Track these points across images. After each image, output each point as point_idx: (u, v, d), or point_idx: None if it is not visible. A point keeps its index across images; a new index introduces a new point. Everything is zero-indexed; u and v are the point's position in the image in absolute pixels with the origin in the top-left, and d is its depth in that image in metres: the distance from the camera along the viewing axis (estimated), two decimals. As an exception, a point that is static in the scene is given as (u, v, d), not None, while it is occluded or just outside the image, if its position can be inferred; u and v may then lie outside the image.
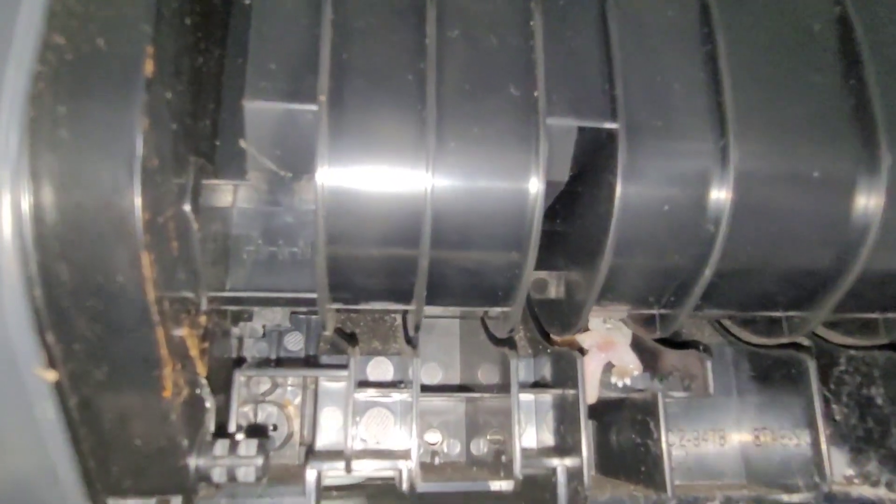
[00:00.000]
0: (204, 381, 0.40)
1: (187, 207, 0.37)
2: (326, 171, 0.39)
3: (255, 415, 0.57)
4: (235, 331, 0.57)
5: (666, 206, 0.44)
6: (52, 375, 0.32)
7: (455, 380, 0.67)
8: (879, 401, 0.54)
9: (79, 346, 0.33)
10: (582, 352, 0.58)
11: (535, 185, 0.41)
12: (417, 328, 0.46)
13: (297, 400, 0.61)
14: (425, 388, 0.59)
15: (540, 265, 0.44)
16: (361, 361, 0.58)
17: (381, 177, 0.40)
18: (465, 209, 0.42)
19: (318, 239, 0.40)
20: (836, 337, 0.58)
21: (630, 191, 0.42)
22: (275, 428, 0.57)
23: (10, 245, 0.29)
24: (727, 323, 0.61)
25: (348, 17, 0.41)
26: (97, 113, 0.30)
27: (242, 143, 0.40)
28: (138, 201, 0.30)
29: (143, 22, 0.32)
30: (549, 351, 0.54)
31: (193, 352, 0.38)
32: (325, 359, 0.57)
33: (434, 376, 0.66)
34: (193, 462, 0.40)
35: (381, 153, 0.40)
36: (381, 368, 0.59)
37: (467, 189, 0.41)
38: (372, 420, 0.56)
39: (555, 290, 0.54)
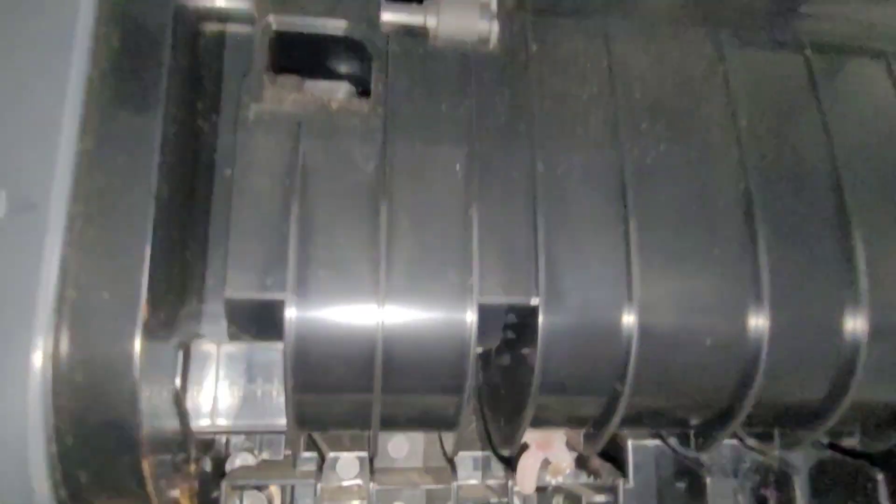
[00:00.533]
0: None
1: (178, 383, 0.45)
2: (292, 342, 0.47)
3: (241, 500, 0.66)
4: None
5: (581, 361, 0.52)
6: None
7: (419, 451, 0.77)
8: (771, 502, 0.63)
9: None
10: (524, 447, 0.67)
11: (468, 350, 0.49)
12: (374, 454, 0.55)
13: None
14: (385, 470, 0.68)
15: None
16: (331, 460, 0.67)
17: (338, 343, 0.48)
18: (410, 370, 0.50)
19: (287, 392, 0.48)
20: (748, 440, 0.67)
21: (549, 350, 0.50)
22: (259, 515, 0.66)
23: (44, 467, 0.37)
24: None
25: (313, 212, 0.49)
26: (102, 361, 0.38)
27: (226, 327, 0.48)
28: (138, 425, 0.39)
29: (138, 273, 0.39)
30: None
31: (183, 501, 0.46)
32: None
33: (401, 450, 0.75)
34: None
35: (339, 332, 0.48)
36: (349, 467, 0.68)
37: (411, 357, 0.49)
38: None
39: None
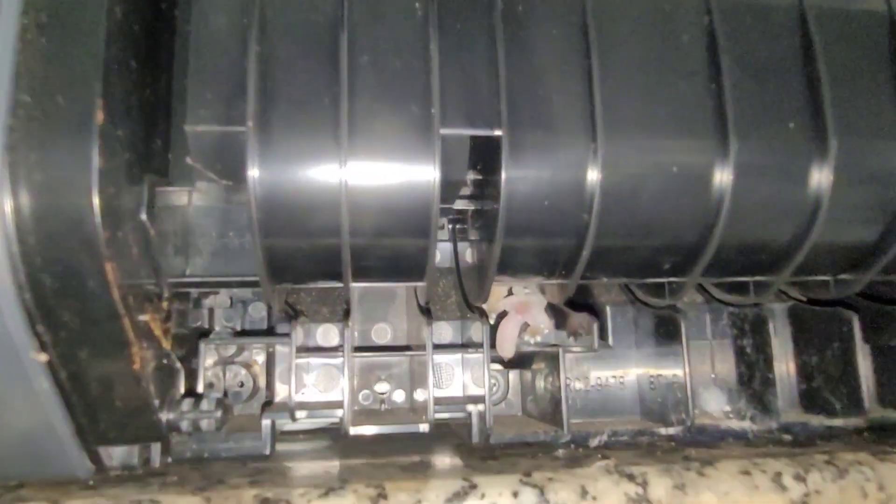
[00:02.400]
0: (170, 353, 0.50)
1: (143, 217, 0.46)
2: (256, 178, 0.47)
3: (224, 374, 0.67)
4: (207, 302, 0.67)
5: (546, 200, 0.52)
6: (43, 357, 0.41)
7: (402, 338, 0.78)
8: (748, 350, 0.64)
9: (63, 334, 0.42)
10: (503, 314, 0.68)
11: (432, 184, 0.49)
12: (348, 303, 0.56)
13: (262, 360, 0.71)
14: (365, 349, 0.69)
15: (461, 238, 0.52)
16: (311, 328, 0.68)
17: (302, 179, 0.49)
18: (377, 204, 0.50)
19: (255, 234, 0.48)
20: (721, 295, 0.67)
21: (514, 187, 0.50)
22: (242, 385, 0.68)
23: (4, 262, 0.38)
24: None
25: (272, 48, 0.49)
26: (60, 157, 0.39)
27: (189, 160, 0.48)
28: (99, 223, 0.39)
29: (93, 80, 0.40)
30: (468, 315, 0.64)
31: (157, 332, 0.47)
32: (281, 326, 0.67)
33: (383, 336, 0.76)
34: (165, 416, 0.50)
35: (302, 161, 0.48)
36: (329, 334, 0.69)
37: (378, 187, 0.50)
38: (321, 377, 0.66)
39: (471, 259, 0.64)
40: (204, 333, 0.64)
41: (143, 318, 0.45)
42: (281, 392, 0.65)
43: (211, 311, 0.69)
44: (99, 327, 0.43)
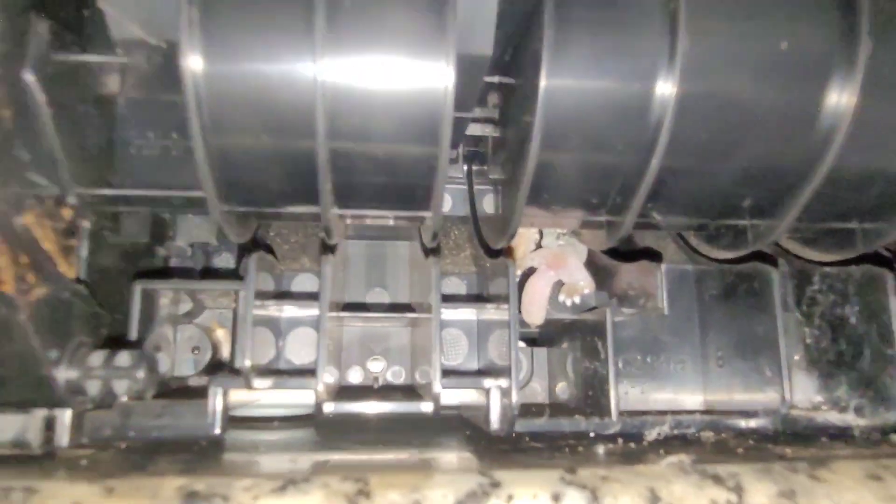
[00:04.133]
0: (72, 284, 0.36)
1: (28, 76, 0.32)
2: (197, 46, 0.33)
3: (175, 336, 0.53)
4: (161, 250, 0.53)
5: (602, 90, 0.38)
6: None
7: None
8: (853, 320, 0.49)
9: None
10: (532, 271, 0.53)
11: (446, 61, 0.35)
12: (329, 233, 0.41)
13: (229, 326, 0.57)
14: (354, 306, 0.54)
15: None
16: (287, 277, 0.53)
17: (265, 51, 0.35)
18: (367, 90, 0.36)
19: (194, 130, 0.34)
20: (810, 254, 0.52)
21: (560, 68, 0.36)
22: (196, 350, 0.53)
23: None
24: (693, 242, 0.55)
25: None
26: None
27: (101, 3, 0.34)
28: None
29: None
30: (487, 265, 0.49)
31: (47, 245, 0.33)
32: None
33: (380, 302, 0.62)
34: (63, 374, 0.36)
35: (262, 21, 0.34)
36: (306, 285, 0.54)
37: (367, 64, 0.35)
38: (297, 340, 0.51)
39: (493, 204, 0.49)
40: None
41: (20, 220, 0.31)
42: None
43: (166, 260, 0.55)
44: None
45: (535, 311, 0.51)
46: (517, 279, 0.48)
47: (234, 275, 0.54)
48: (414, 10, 0.35)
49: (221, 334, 0.57)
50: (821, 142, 0.40)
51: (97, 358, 0.37)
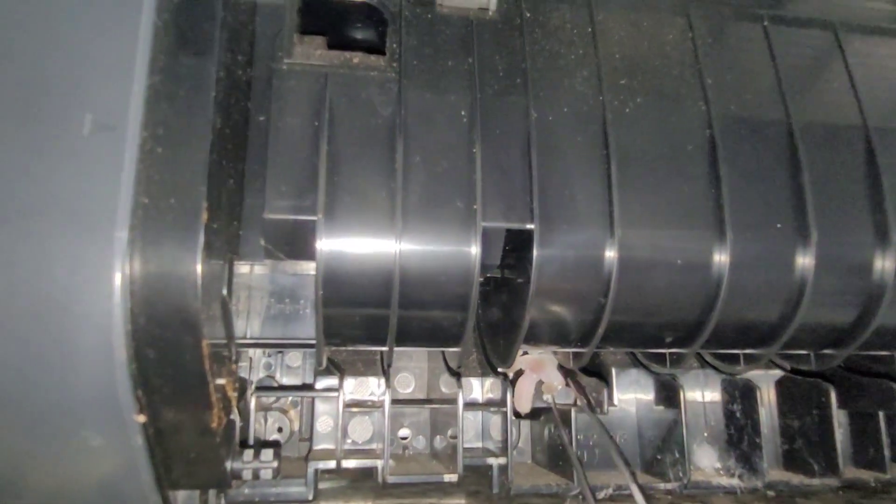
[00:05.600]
0: (235, 412, 0.57)
1: (225, 293, 0.53)
2: (323, 259, 0.55)
3: (266, 419, 0.74)
4: (249, 354, 0.74)
5: (569, 282, 0.60)
6: (142, 418, 0.48)
7: (423, 385, 0.85)
8: (738, 414, 0.71)
9: (157, 398, 0.49)
10: (519, 372, 0.76)
11: (473, 265, 0.57)
12: (389, 365, 0.63)
13: (298, 406, 0.78)
14: (396, 401, 0.76)
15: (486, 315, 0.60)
16: (347, 382, 0.75)
17: (361, 259, 0.56)
18: (423, 282, 0.58)
19: (318, 304, 0.56)
20: (716, 363, 0.75)
21: (542, 270, 0.58)
22: (280, 430, 0.74)
23: (120, 339, 0.45)
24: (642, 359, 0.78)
25: (339, 149, 0.56)
26: (171, 252, 0.46)
27: (263, 242, 0.56)
28: (200, 308, 0.46)
29: (200, 184, 0.47)
30: (490, 376, 0.72)
31: (230, 393, 0.54)
32: (319, 379, 0.74)
33: (407, 385, 0.83)
34: (229, 466, 0.57)
35: (361, 244, 0.56)
36: (363, 387, 0.76)
37: (425, 270, 0.57)
38: (357, 425, 0.73)
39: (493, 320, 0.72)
40: (241, 382, 0.71)
41: (220, 381, 0.52)
42: (319, 438, 0.72)
43: (251, 359, 0.76)
44: (188, 392, 0.49)
45: (524, 402, 0.73)
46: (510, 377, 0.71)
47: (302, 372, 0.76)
48: (456, 227, 0.57)
49: (293, 414, 0.78)
50: (710, 300, 0.62)
51: (248, 454, 0.58)
